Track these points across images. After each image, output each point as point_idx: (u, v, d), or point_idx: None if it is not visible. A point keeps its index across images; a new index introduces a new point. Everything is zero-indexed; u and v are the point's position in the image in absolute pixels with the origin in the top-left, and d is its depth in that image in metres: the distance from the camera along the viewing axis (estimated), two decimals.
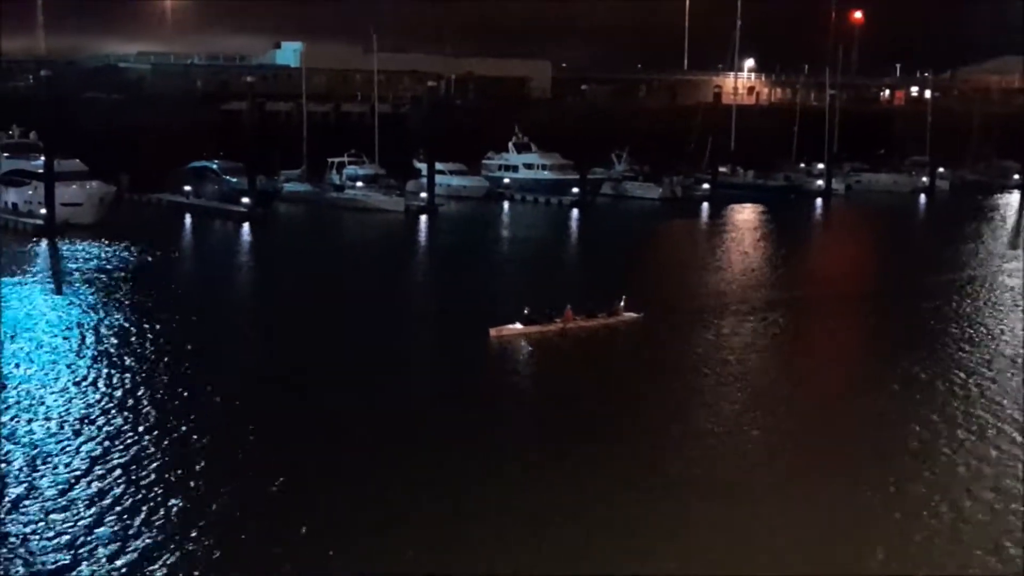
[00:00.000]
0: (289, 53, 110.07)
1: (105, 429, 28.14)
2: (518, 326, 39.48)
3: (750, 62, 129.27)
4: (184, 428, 28.30)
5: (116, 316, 41.48)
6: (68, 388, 31.82)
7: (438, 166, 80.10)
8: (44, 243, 59.22)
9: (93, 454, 26.33)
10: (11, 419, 28.80)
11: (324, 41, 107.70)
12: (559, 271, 57.62)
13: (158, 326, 39.65)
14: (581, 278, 54.75)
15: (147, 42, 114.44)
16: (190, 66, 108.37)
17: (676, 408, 31.49)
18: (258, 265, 59.60)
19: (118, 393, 31.29)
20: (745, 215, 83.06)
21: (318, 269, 55.53)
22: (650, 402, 32.08)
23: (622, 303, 42.20)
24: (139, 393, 31.34)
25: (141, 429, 28.18)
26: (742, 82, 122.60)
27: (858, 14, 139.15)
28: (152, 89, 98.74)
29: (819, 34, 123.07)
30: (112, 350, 36.24)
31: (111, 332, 38.75)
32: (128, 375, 33.19)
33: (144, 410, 29.83)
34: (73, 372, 33.50)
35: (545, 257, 62.30)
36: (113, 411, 29.64)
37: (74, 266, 52.46)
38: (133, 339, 37.80)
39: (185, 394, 31.34)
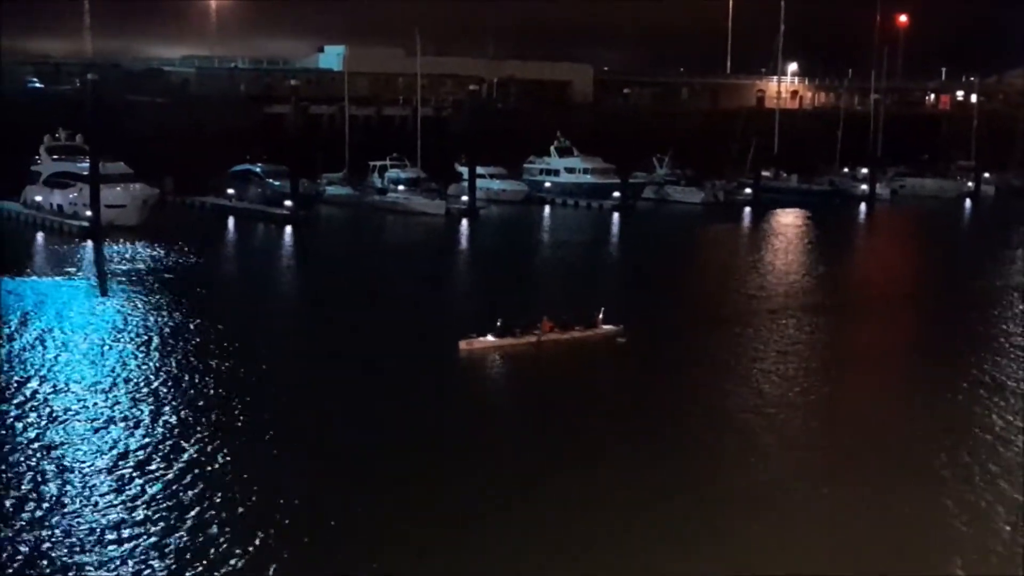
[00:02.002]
0: (332, 57, 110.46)
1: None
2: (490, 338, 37.69)
3: (793, 66, 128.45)
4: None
5: (162, 317, 41.85)
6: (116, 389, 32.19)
7: (479, 170, 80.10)
8: (89, 244, 59.76)
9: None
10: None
11: (367, 44, 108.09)
12: (589, 277, 56.73)
13: (203, 325, 40.04)
14: (606, 286, 53.54)
15: (192, 45, 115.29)
16: (234, 69, 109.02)
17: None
18: (296, 268, 59.92)
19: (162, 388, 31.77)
20: (788, 220, 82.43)
21: (353, 272, 55.57)
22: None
23: (601, 315, 39.96)
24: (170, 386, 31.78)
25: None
26: (785, 86, 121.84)
27: (903, 17, 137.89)
28: (196, 92, 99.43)
29: (863, 38, 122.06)
30: (161, 350, 36.65)
31: (158, 333, 39.13)
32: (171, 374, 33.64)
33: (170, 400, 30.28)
34: (123, 371, 33.92)
35: (578, 263, 62.02)
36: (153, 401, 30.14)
37: (119, 268, 52.87)
38: (182, 338, 38.20)
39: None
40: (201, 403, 31.02)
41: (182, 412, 30.11)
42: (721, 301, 48.27)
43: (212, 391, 32.21)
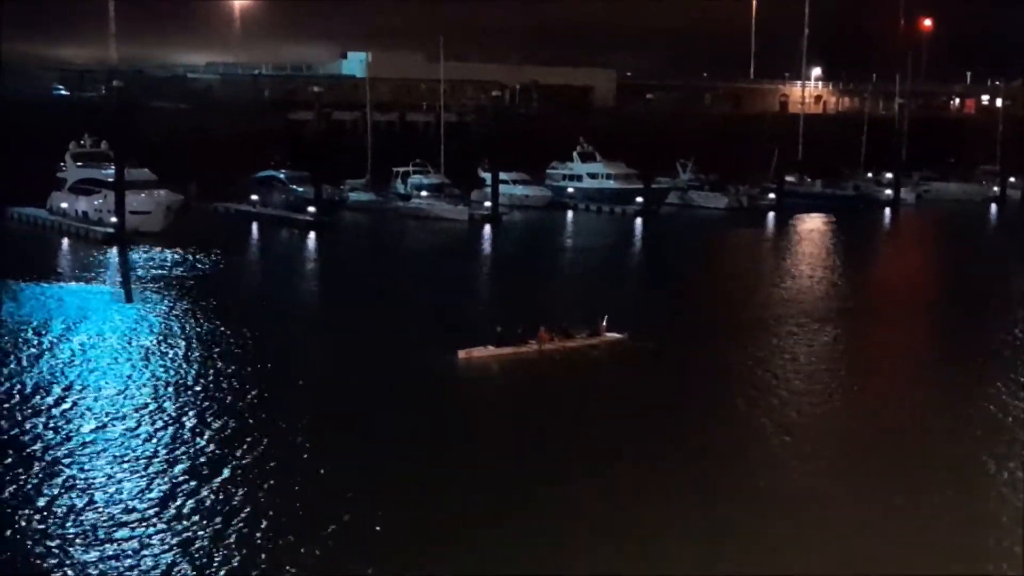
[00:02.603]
0: (355, 63, 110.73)
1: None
2: (490, 348, 36.92)
3: (817, 70, 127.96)
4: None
5: (184, 323, 41.95)
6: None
7: (502, 175, 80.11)
8: (114, 250, 59.90)
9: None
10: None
11: (389, 50, 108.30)
12: (608, 283, 56.08)
13: (225, 331, 40.15)
14: (624, 292, 53.21)
15: (215, 52, 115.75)
16: (257, 76, 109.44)
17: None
18: (318, 274, 59.91)
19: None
20: (812, 225, 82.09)
21: (372, 279, 55.36)
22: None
23: (604, 322, 39.27)
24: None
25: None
26: (809, 90, 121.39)
27: (927, 21, 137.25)
28: (220, 99, 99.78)
29: (887, 42, 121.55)
30: (184, 356, 36.81)
31: (182, 339, 39.27)
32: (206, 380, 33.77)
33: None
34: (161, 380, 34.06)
35: (598, 269, 61.59)
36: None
37: (144, 273, 52.96)
38: (205, 344, 38.34)
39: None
40: (225, 408, 31.16)
41: (208, 418, 30.28)
42: (740, 307, 47.88)
43: (234, 396, 32.35)
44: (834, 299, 50.63)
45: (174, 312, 44.16)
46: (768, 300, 49.72)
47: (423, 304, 48.07)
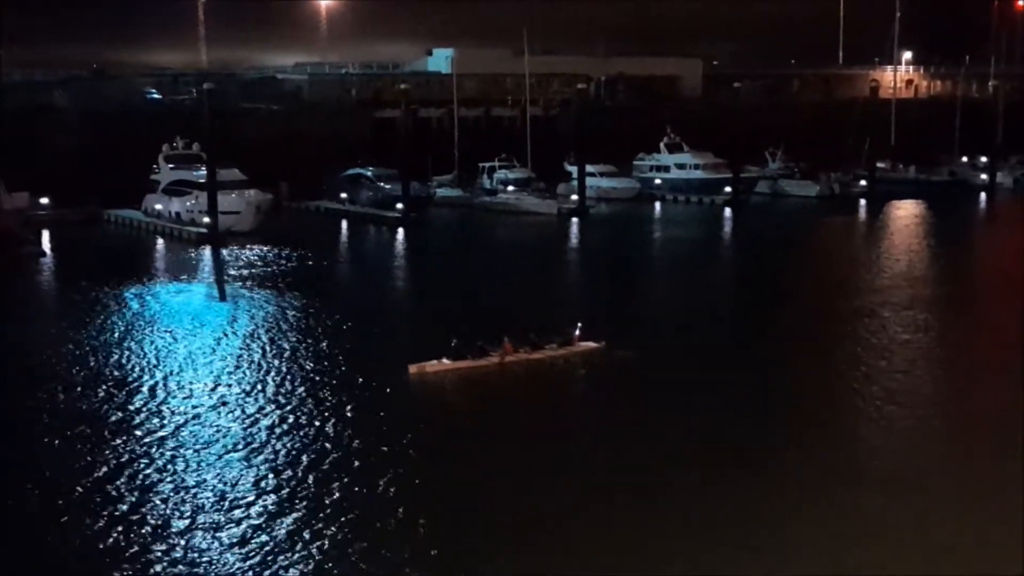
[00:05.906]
0: (441, 59, 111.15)
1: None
2: (445, 361, 34.47)
3: (908, 54, 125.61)
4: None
5: (277, 320, 42.70)
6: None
7: (589, 168, 79.94)
8: (207, 250, 60.97)
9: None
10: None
11: (475, 46, 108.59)
12: (686, 279, 55.82)
13: (316, 327, 40.80)
14: (708, 289, 52.75)
15: (303, 52, 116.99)
16: (345, 75, 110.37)
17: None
18: (405, 270, 60.43)
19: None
20: (905, 211, 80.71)
21: (451, 278, 55.17)
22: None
23: (577, 331, 36.69)
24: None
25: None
26: (900, 75, 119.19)
27: (1022, 1, 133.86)
28: (309, 99, 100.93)
29: (981, 24, 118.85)
30: (280, 352, 37.47)
31: (276, 335, 39.98)
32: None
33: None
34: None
35: (683, 263, 61.17)
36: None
37: (236, 272, 53.84)
38: (299, 340, 38.94)
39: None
40: (315, 405, 31.76)
41: (308, 411, 30.92)
42: (816, 301, 47.31)
43: (321, 394, 32.92)
44: (928, 287, 49.61)
45: (265, 309, 44.85)
46: (823, 294, 48.78)
47: (492, 302, 47.09)
